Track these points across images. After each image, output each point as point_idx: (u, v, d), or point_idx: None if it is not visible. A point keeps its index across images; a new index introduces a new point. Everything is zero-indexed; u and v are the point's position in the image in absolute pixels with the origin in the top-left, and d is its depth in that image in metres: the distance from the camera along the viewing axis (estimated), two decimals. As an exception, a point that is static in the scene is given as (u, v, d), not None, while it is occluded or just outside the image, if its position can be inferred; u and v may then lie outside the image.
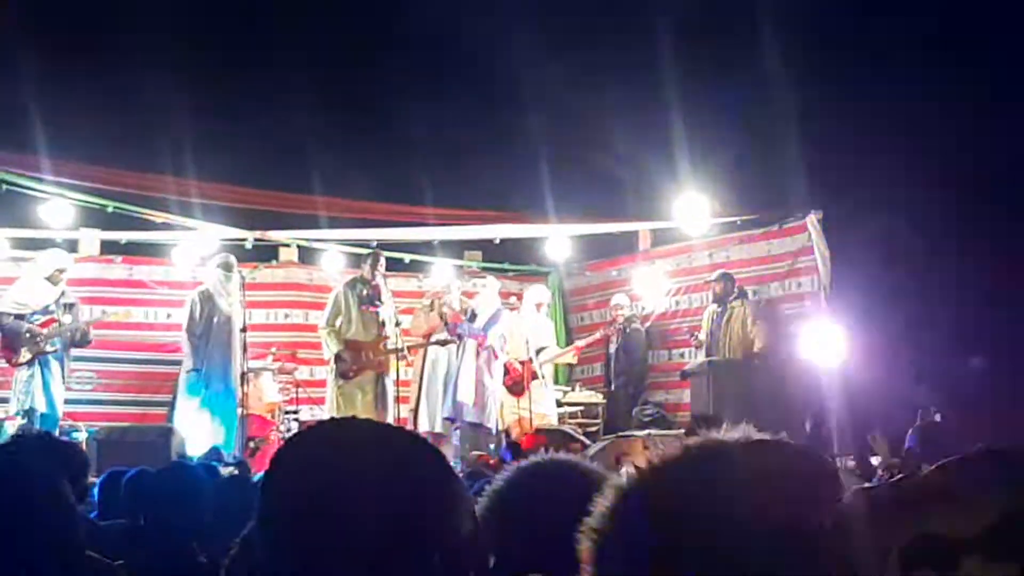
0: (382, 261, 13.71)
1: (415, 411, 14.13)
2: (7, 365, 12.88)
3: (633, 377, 15.39)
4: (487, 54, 15.77)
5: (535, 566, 1.99)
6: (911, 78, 12.72)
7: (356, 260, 15.64)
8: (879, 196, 12.94)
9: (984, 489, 1.39)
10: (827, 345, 12.41)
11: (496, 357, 14.12)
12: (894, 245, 12.22)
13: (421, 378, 14.20)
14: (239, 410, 13.10)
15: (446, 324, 14.12)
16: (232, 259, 13.47)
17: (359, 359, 13.32)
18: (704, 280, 14.61)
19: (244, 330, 13.05)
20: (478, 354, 13.92)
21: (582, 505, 1.57)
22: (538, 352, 14.87)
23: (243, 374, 13.22)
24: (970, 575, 1.32)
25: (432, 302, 14.43)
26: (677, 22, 14.67)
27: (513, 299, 15.84)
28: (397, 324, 13.56)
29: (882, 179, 12.97)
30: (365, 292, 13.46)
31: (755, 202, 14.57)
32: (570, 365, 16.83)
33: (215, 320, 13.19)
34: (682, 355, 15.32)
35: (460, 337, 14.07)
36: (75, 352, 13.44)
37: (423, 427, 13.88)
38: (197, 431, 12.83)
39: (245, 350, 13.26)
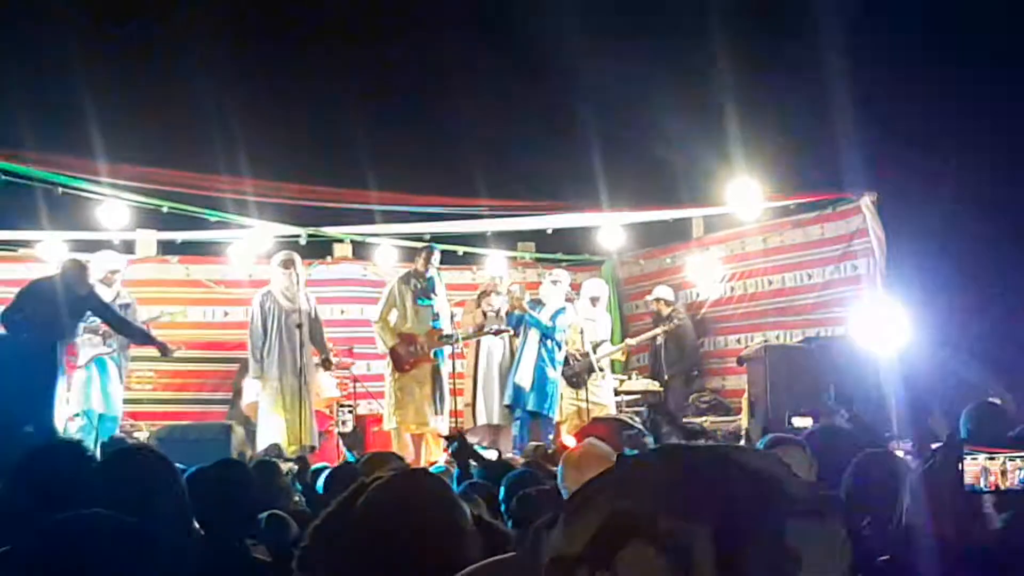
0: (436, 255, 13.71)
1: (472, 405, 14.14)
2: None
3: (685, 366, 15.37)
4: (539, 43, 15.77)
5: None
6: (968, 55, 12.61)
7: (410, 254, 15.67)
8: (934, 176, 12.83)
9: (581, 512, 1.47)
10: (883, 328, 12.32)
11: (560, 349, 14.16)
12: (950, 225, 12.11)
13: (476, 371, 14.21)
14: (309, 406, 13.13)
15: (485, 317, 14.15)
16: (294, 256, 13.48)
17: (414, 352, 13.35)
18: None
19: (300, 326, 13.09)
20: (540, 343, 13.96)
21: None
22: (596, 346, 14.85)
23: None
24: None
25: (478, 298, 14.44)
26: (728, 5, 14.60)
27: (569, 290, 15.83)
28: (452, 316, 13.60)
29: (937, 158, 12.86)
30: (419, 286, 13.48)
31: (808, 185, 14.48)
32: (626, 356, 16.80)
33: (279, 318, 13.21)
34: (738, 341, 15.27)
35: (520, 327, 14.11)
36: (133, 352, 13.55)
37: (480, 420, 13.91)
38: (268, 428, 12.89)
39: (304, 346, 13.32)
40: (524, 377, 13.86)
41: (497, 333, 14.10)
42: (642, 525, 1.39)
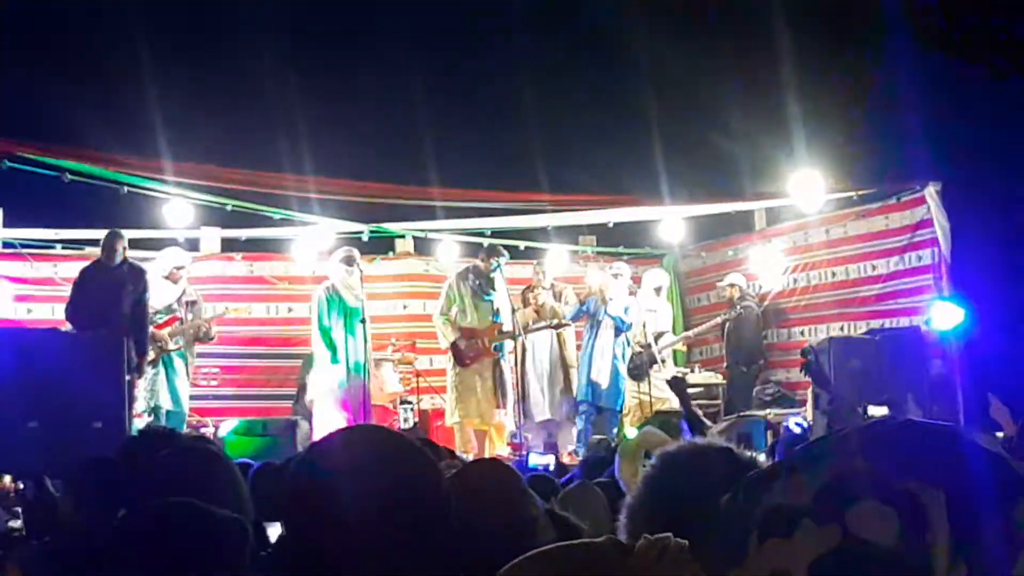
0: (503, 259, 13.65)
1: (521, 402, 14.00)
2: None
3: (744, 356, 15.29)
4: (602, 35, 15.78)
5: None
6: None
7: (472, 249, 15.73)
8: (1000, 165, 12.71)
9: (813, 466, 1.48)
10: (949, 318, 12.22)
11: (628, 342, 14.17)
12: (1015, 214, 11.99)
13: (523, 369, 14.10)
14: (369, 400, 13.21)
15: (538, 314, 14.12)
16: (355, 252, 13.53)
17: (475, 346, 13.38)
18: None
19: (364, 321, 13.17)
20: (615, 337, 13.97)
21: (728, 489, 1.62)
22: (657, 338, 14.84)
23: (364, 365, 13.41)
24: (804, 536, 1.41)
25: (523, 294, 14.39)
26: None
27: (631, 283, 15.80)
28: (514, 311, 13.61)
29: (1002, 147, 12.74)
30: (478, 282, 13.50)
31: (872, 175, 14.38)
32: (687, 347, 16.77)
33: (341, 313, 13.28)
34: (802, 333, 15.20)
35: (579, 319, 14.15)
36: (199, 349, 13.67)
37: (538, 417, 13.85)
38: (328, 423, 12.96)
39: (367, 341, 13.41)
40: (602, 374, 13.85)
41: (557, 327, 14.10)
42: (878, 483, 1.42)
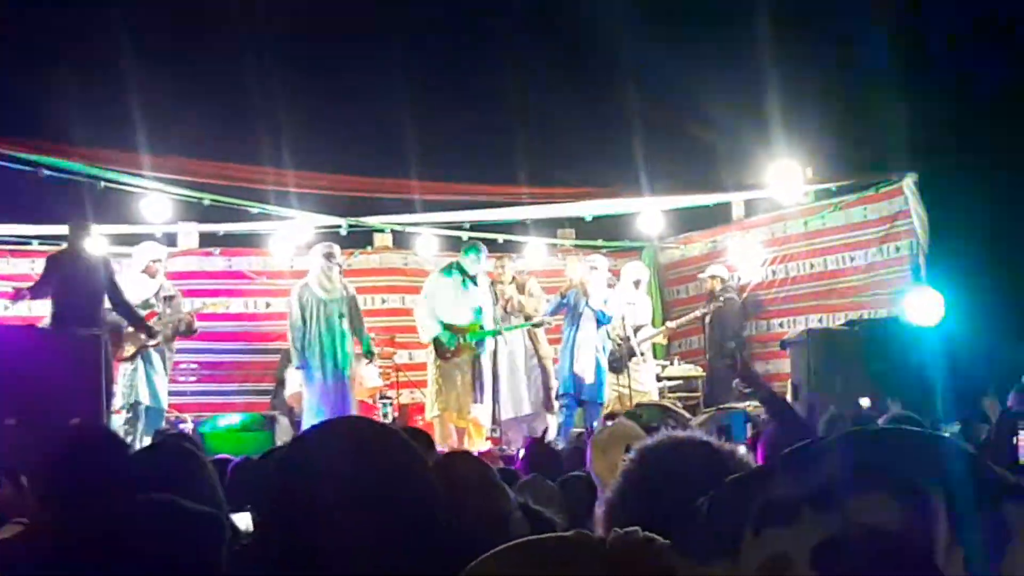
0: (482, 254, 13.66)
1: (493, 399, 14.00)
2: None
3: (722, 347, 15.29)
4: (580, 27, 15.77)
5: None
6: (1007, 35, 12.52)
7: (451, 242, 15.75)
8: (977, 156, 12.76)
9: (812, 464, 1.55)
10: (927, 309, 12.25)
11: (608, 335, 14.19)
12: (992, 205, 12.04)
13: (495, 365, 14.06)
14: (352, 394, 13.22)
15: (505, 309, 14.12)
16: (335, 248, 13.54)
17: (455, 341, 13.38)
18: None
19: (341, 317, 13.16)
20: (596, 330, 13.99)
21: (708, 482, 1.66)
22: (636, 330, 14.84)
23: (346, 360, 13.44)
24: (806, 522, 1.47)
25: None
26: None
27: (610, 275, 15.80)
28: (496, 303, 13.64)
29: (979, 138, 12.78)
30: (461, 277, 13.51)
31: (850, 167, 14.41)
32: (667, 340, 16.79)
33: (316, 309, 13.28)
34: (780, 325, 15.23)
35: (557, 313, 14.17)
36: (178, 344, 13.63)
37: (507, 414, 13.81)
38: (312, 418, 12.95)
39: (344, 336, 13.42)
40: (586, 368, 13.85)
41: (537, 326, 14.13)
42: (880, 478, 1.49)
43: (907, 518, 1.44)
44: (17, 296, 11.91)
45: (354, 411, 13.09)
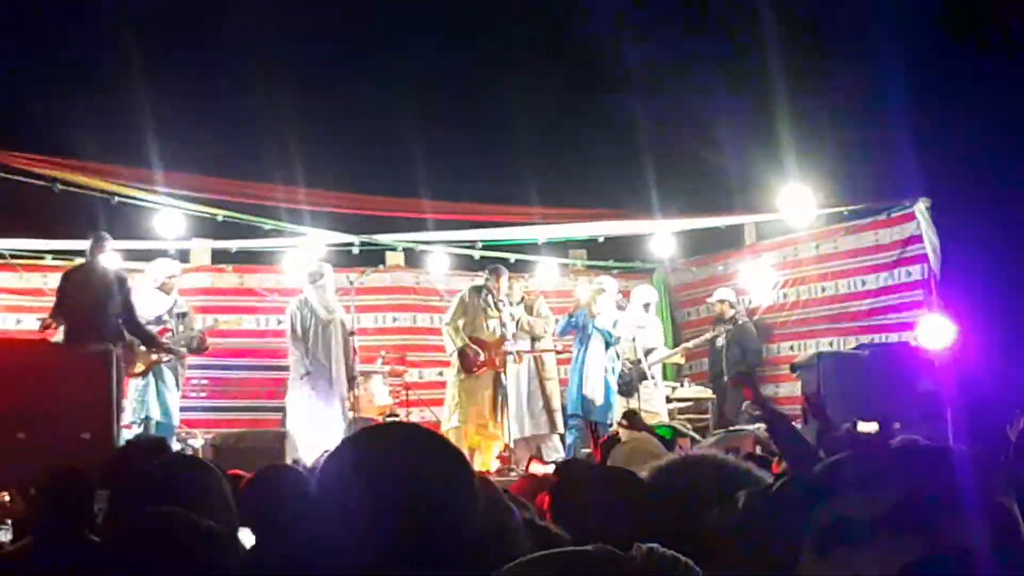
0: (504, 280, 13.73)
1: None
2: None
3: (747, 369, 15.24)
4: (592, 49, 15.79)
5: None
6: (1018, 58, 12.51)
7: (462, 261, 15.79)
8: (989, 181, 12.74)
9: (883, 476, 1.49)
10: (939, 334, 12.23)
11: (618, 358, 14.21)
12: (1004, 230, 12.02)
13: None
14: (349, 414, 13.26)
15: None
16: (324, 267, 13.66)
17: (484, 356, 13.46)
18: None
19: (353, 334, 13.24)
20: (605, 351, 14.01)
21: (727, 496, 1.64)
22: (647, 353, 14.83)
23: (352, 378, 13.45)
24: (886, 544, 1.44)
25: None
26: (781, 14, 14.56)
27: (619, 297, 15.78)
28: (517, 323, 13.72)
29: (991, 162, 12.77)
30: (489, 299, 13.59)
31: (862, 191, 14.40)
32: (678, 363, 16.76)
33: (316, 327, 13.37)
34: (791, 348, 15.20)
35: (567, 333, 14.21)
36: (189, 360, 13.64)
37: (515, 434, 13.80)
38: (309, 436, 12.98)
39: (355, 354, 13.47)
40: (595, 389, 13.88)
41: (549, 352, 14.21)
42: (964, 498, 1.48)
43: (1002, 539, 1.41)
44: (46, 328, 11.88)
45: (347, 430, 13.13)
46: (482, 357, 13.49)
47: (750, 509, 1.58)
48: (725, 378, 15.37)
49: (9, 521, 7.19)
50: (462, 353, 13.50)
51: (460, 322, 13.60)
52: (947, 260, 13.23)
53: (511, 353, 13.50)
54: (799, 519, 1.50)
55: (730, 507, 1.59)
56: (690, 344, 16.00)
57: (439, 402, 14.26)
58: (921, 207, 13.50)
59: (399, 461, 2.01)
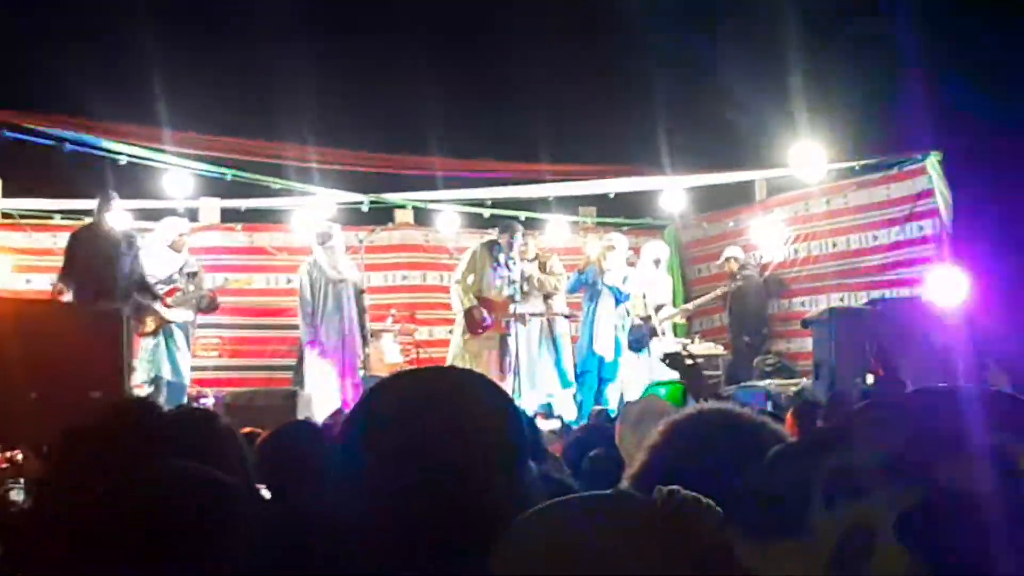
0: (519, 236, 13.72)
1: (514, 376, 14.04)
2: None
3: (747, 326, 15.27)
4: (602, 6, 15.71)
5: None
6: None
7: (472, 219, 15.77)
8: (1002, 135, 12.65)
9: (887, 423, 1.48)
10: (951, 289, 12.20)
11: (628, 313, 14.20)
12: (1016, 184, 11.95)
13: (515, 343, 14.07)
14: (360, 371, 13.29)
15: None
16: (331, 228, 13.69)
17: (489, 317, 13.45)
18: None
19: (363, 292, 13.26)
20: (615, 308, 14.02)
21: (741, 455, 1.61)
22: (657, 309, 14.84)
23: (365, 336, 13.50)
24: (886, 491, 1.41)
25: None
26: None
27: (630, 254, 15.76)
28: (527, 280, 13.70)
29: (1004, 114, 12.68)
30: (499, 256, 13.56)
31: (873, 146, 14.32)
32: (687, 319, 16.76)
33: (326, 287, 13.40)
34: (803, 303, 15.18)
35: (578, 290, 14.21)
36: (200, 320, 13.67)
37: (525, 391, 13.77)
38: (322, 394, 13.05)
39: (365, 312, 13.49)
40: (606, 347, 13.91)
41: (568, 317, 14.20)
42: (965, 441, 1.44)
43: (998, 481, 1.39)
44: (58, 294, 11.87)
45: (360, 390, 13.18)
46: (488, 321, 13.48)
47: (773, 467, 1.56)
48: (728, 335, 15.48)
49: (22, 480, 7.21)
50: (468, 314, 13.51)
51: (469, 279, 13.59)
52: (959, 214, 13.17)
53: (519, 316, 13.47)
54: (812, 473, 1.48)
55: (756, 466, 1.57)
56: (690, 306, 16.03)
57: (449, 360, 14.28)
58: (933, 161, 13.44)
59: (445, 407, 1.96)
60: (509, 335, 13.49)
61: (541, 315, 14.04)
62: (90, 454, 3.46)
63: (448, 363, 13.76)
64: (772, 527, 1.48)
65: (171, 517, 2.28)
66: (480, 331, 13.47)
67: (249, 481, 3.68)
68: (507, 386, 13.40)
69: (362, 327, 13.58)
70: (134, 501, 2.34)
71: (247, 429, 6.66)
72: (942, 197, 13.27)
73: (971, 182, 13.12)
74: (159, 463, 2.55)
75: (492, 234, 14.14)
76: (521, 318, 13.50)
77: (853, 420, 1.54)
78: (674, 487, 1.68)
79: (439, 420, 1.90)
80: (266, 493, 4.21)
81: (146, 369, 12.70)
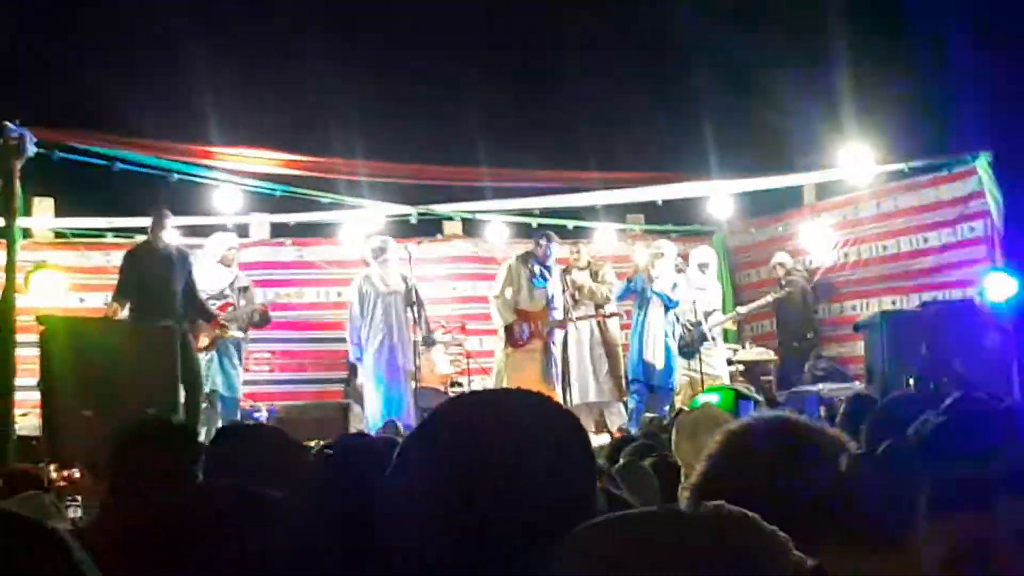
0: (554, 246, 13.77)
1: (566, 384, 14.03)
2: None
3: (795, 332, 15.21)
4: (649, 13, 15.71)
5: None
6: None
7: (520, 229, 15.76)
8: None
9: (997, 438, 1.46)
10: (1002, 290, 12.10)
11: (677, 319, 14.18)
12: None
13: (565, 352, 14.06)
14: (412, 383, 13.32)
15: (575, 299, 14.15)
16: (386, 242, 13.74)
17: (528, 329, 13.47)
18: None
19: (414, 304, 13.30)
20: (664, 315, 14.01)
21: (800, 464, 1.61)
22: (707, 315, 14.81)
23: (432, 344, 13.60)
24: (1007, 507, 1.40)
25: (562, 275, 14.35)
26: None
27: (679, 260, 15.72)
28: (564, 291, 13.70)
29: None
30: (536, 267, 13.58)
31: (922, 148, 14.23)
32: (738, 324, 16.70)
33: (377, 301, 13.46)
34: (854, 307, 15.09)
35: (627, 297, 14.20)
36: (251, 334, 13.75)
37: (576, 400, 13.79)
38: (374, 406, 13.11)
39: (418, 321, 13.54)
40: (656, 354, 13.90)
41: (608, 316, 14.17)
42: None
43: None
44: (113, 313, 11.93)
45: (409, 399, 13.23)
46: (527, 334, 13.53)
47: (856, 473, 1.54)
48: (778, 340, 15.43)
49: (79, 497, 7.28)
50: (508, 329, 13.56)
51: (508, 292, 13.63)
52: (1010, 215, 13.06)
53: (559, 321, 13.49)
54: (911, 482, 1.46)
55: (828, 471, 1.55)
56: (743, 310, 15.97)
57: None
58: (983, 162, 13.31)
59: (513, 430, 1.95)
60: (553, 343, 13.51)
61: (590, 318, 14.06)
62: (139, 472, 3.50)
63: (493, 375, 13.81)
64: (870, 535, 1.47)
65: (210, 536, 2.31)
66: (521, 344, 13.51)
67: (304, 494, 3.71)
68: (555, 395, 13.42)
69: (425, 335, 13.65)
70: (176, 522, 2.37)
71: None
72: (993, 199, 13.14)
73: (1022, 183, 13.01)
74: (202, 485, 2.58)
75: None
76: (562, 324, 13.52)
77: (949, 431, 1.53)
78: (720, 503, 1.68)
79: (509, 441, 1.91)
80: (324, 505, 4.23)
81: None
